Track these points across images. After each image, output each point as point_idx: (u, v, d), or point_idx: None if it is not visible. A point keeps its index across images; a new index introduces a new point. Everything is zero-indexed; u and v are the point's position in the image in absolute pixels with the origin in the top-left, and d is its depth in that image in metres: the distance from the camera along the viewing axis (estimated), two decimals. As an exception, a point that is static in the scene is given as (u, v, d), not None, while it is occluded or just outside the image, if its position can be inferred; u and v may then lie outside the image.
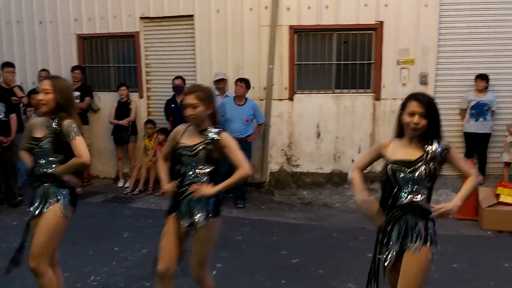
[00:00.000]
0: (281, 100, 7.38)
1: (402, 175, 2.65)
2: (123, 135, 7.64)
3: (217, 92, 7.14)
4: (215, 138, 3.02)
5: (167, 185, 3.10)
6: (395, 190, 2.67)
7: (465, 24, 6.95)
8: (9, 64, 7.13)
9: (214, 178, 3.09)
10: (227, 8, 7.40)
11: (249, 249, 5.14)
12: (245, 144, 6.76)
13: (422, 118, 2.61)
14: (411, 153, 2.67)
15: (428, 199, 2.71)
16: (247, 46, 7.40)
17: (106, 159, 8.24)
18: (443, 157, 2.68)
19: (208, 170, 3.05)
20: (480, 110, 6.76)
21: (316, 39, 7.33)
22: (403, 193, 2.67)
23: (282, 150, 7.47)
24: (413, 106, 2.63)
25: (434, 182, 2.70)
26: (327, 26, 7.18)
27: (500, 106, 6.89)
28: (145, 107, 7.94)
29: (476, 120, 6.80)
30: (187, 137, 3.08)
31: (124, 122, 7.58)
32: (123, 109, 7.64)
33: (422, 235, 2.64)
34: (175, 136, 3.14)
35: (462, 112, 6.97)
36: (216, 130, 3.05)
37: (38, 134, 3.22)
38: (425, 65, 7.04)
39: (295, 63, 7.35)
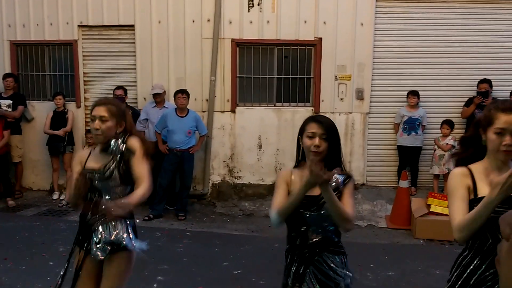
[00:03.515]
0: (223, 112, 7.43)
1: (307, 214, 2.39)
2: (59, 145, 7.36)
3: (153, 104, 7.08)
4: (123, 149, 2.71)
5: None
6: (304, 228, 2.43)
7: (398, 43, 7.33)
8: None
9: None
10: (169, 20, 7.37)
11: (190, 261, 5.11)
12: (187, 156, 6.74)
13: (323, 141, 2.38)
14: (314, 187, 2.32)
15: (338, 232, 2.49)
16: (189, 58, 7.40)
17: (39, 171, 7.89)
18: (344, 187, 2.43)
19: (125, 191, 2.80)
20: (412, 125, 7.13)
21: (258, 53, 7.46)
22: (310, 233, 2.42)
23: (224, 161, 7.50)
24: (313, 127, 2.40)
25: None
26: (268, 40, 7.33)
27: (429, 121, 7.29)
28: (82, 117, 7.72)
29: (409, 134, 7.16)
30: (93, 159, 2.78)
31: (60, 132, 7.32)
32: (59, 119, 7.38)
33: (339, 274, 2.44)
34: (81, 161, 2.82)
35: (396, 126, 7.33)
36: (120, 140, 2.73)
37: None
38: (361, 80, 7.35)
39: (237, 76, 7.43)
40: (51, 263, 4.86)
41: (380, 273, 4.85)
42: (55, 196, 7.54)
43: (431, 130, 7.31)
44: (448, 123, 6.98)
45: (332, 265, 2.43)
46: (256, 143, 7.42)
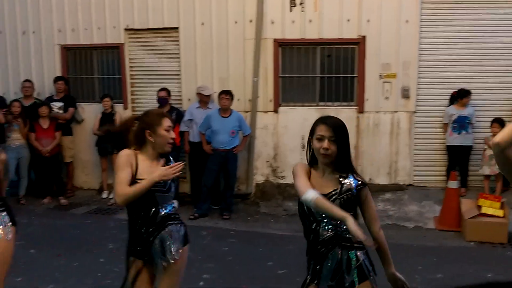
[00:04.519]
0: (266, 112, 7.45)
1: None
2: (107, 146, 7.59)
3: (198, 105, 7.18)
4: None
5: None
6: (314, 225, 2.50)
7: (444, 40, 7.13)
8: None
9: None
10: (212, 21, 7.47)
11: (235, 260, 5.16)
12: (231, 156, 6.81)
13: (332, 144, 2.43)
14: (325, 185, 2.49)
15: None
16: (232, 58, 7.46)
17: (89, 171, 8.17)
18: (358, 193, 2.49)
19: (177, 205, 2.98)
20: (462, 124, 6.93)
21: (300, 53, 7.44)
22: (321, 228, 2.49)
23: (268, 161, 7.52)
24: (322, 130, 2.45)
25: (353, 213, 2.47)
26: (311, 40, 7.29)
27: (478, 120, 7.06)
28: (129, 118, 7.92)
29: (459, 133, 6.96)
30: (148, 169, 2.84)
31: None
32: (107, 120, 7.61)
33: (358, 269, 2.48)
34: (132, 166, 2.83)
35: (444, 125, 7.13)
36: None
37: None
38: (406, 79, 7.20)
39: (280, 75, 7.44)
40: (101, 260, 5.02)
41: (428, 276, 4.74)
42: (104, 195, 7.78)
43: (481, 129, 7.07)
44: (499, 122, 6.73)
45: (344, 261, 2.47)
46: (299, 143, 7.39)
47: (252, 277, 4.67)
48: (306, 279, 2.62)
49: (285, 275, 4.72)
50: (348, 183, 2.48)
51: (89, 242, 5.67)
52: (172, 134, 2.88)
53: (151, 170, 2.80)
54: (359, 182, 2.50)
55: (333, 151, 2.43)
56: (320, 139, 2.44)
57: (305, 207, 2.50)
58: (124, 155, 2.79)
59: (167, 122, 2.87)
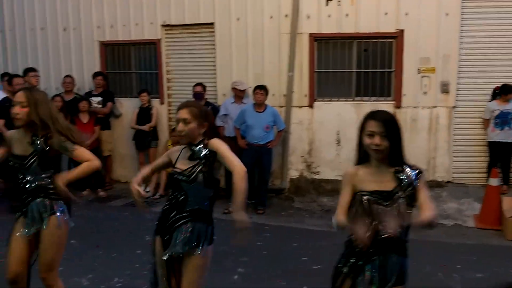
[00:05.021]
0: (301, 107, 7.41)
1: (379, 207, 2.42)
2: (144, 140, 7.73)
3: (232, 100, 7.21)
4: (207, 154, 2.83)
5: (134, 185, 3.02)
6: (374, 224, 2.44)
7: (486, 33, 6.90)
8: (32, 69, 7.28)
9: (213, 202, 2.97)
10: (247, 16, 7.47)
11: (269, 255, 5.16)
12: (265, 151, 6.81)
13: (383, 139, 2.38)
14: (385, 182, 2.44)
15: (406, 232, 2.51)
16: (267, 53, 7.45)
17: (127, 164, 8.34)
18: (418, 181, 2.45)
19: (209, 194, 2.91)
20: (504, 119, 6.71)
21: (336, 47, 7.36)
22: (380, 227, 2.43)
23: (302, 157, 7.48)
24: (372, 126, 2.41)
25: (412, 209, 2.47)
26: (347, 34, 7.20)
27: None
28: (166, 113, 8.03)
29: (502, 129, 6.74)
30: (181, 161, 2.90)
31: (145, 127, 7.68)
32: (144, 114, 7.75)
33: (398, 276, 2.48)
34: (172, 159, 2.97)
35: (485, 121, 6.92)
36: (202, 145, 2.85)
37: (20, 151, 3.12)
38: (446, 73, 7.02)
39: (315, 70, 7.38)
40: (138, 251, 5.12)
41: (467, 275, 4.62)
42: (141, 189, 7.90)
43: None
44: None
45: (391, 266, 2.46)
46: (335, 138, 7.33)
47: (286, 272, 4.66)
48: (340, 271, 2.59)
49: (320, 271, 4.69)
50: (408, 176, 2.44)
51: (126, 234, 5.80)
52: (178, 127, 2.83)
53: (185, 164, 2.85)
54: (417, 171, 2.47)
55: (385, 146, 2.39)
56: (371, 135, 2.40)
57: (365, 207, 2.46)
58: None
59: (177, 115, 2.87)
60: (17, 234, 3.14)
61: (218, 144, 2.86)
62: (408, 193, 2.42)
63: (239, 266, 4.77)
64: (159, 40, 7.97)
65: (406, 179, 2.42)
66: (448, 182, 7.20)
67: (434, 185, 7.09)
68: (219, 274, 4.24)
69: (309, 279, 4.47)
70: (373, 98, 7.28)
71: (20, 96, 3.05)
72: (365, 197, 2.45)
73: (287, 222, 6.47)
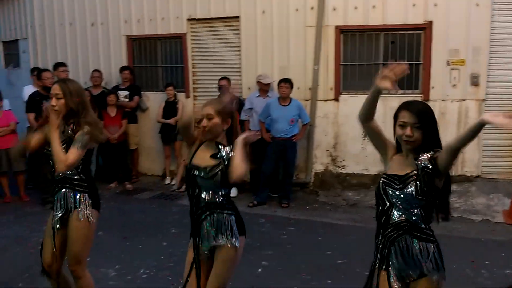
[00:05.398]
0: (326, 100, 7.35)
1: (391, 191, 2.44)
2: (170, 134, 7.81)
3: (257, 94, 7.20)
4: (230, 156, 2.82)
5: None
6: (386, 207, 2.46)
7: (520, 24, 6.71)
8: (62, 64, 7.42)
9: (229, 198, 2.95)
10: (273, 9, 7.43)
11: (294, 248, 5.17)
12: (290, 144, 6.80)
13: (415, 130, 2.35)
14: (404, 168, 2.45)
15: (425, 219, 2.44)
16: (292, 46, 7.41)
17: (153, 157, 8.44)
18: (436, 162, 2.37)
19: (223, 192, 2.90)
20: (536, 112, 6.51)
21: (363, 39, 7.26)
22: (395, 211, 2.44)
23: (327, 150, 7.43)
24: (404, 116, 2.39)
25: (431, 199, 2.41)
26: (374, 26, 7.09)
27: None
28: (191, 106, 8.09)
29: (532, 123, 6.54)
30: (199, 157, 2.91)
31: (171, 121, 7.75)
32: (170, 108, 7.81)
33: (423, 263, 2.40)
34: (191, 151, 2.98)
35: (516, 114, 6.73)
36: (228, 148, 2.86)
37: None
38: (476, 65, 6.84)
39: (341, 63, 7.30)
40: (164, 244, 5.20)
41: (496, 271, 4.53)
42: (167, 181, 8.02)
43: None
44: None
45: (412, 250, 2.41)
46: (361, 132, 7.21)
47: (311, 266, 4.65)
48: (374, 263, 2.57)
49: (345, 265, 4.67)
50: (423, 159, 2.39)
51: (152, 226, 5.88)
52: (203, 123, 2.85)
53: (204, 160, 2.87)
54: (433, 152, 2.40)
55: (416, 138, 2.37)
56: (403, 125, 2.39)
57: (380, 188, 2.47)
58: None
59: (201, 111, 2.89)
60: (49, 226, 3.21)
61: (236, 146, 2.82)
62: (424, 176, 2.36)
63: (263, 259, 4.79)
64: (185, 34, 8.01)
65: (421, 164, 2.38)
66: (477, 176, 7.04)
67: (462, 180, 6.96)
68: (243, 267, 4.23)
69: (333, 273, 4.46)
70: (400, 91, 7.14)
71: (56, 88, 3.11)
72: (382, 180, 2.50)
73: (311, 216, 6.45)
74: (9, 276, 4.31)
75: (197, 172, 2.84)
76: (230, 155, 2.80)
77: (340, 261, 4.75)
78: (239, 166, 2.67)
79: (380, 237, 2.50)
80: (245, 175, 2.72)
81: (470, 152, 6.99)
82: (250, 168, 2.75)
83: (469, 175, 7.03)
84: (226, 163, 2.80)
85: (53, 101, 3.09)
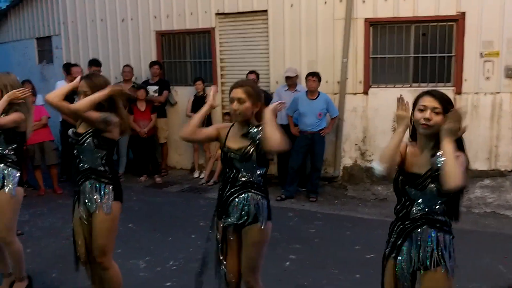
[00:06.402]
0: (355, 94, 7.27)
1: (412, 189, 2.40)
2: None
3: (286, 87, 7.18)
4: (261, 136, 2.79)
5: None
6: (408, 203, 2.44)
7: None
8: (95, 63, 7.56)
9: (265, 180, 2.97)
10: (301, 2, 7.38)
11: (321, 243, 5.15)
12: (318, 138, 6.76)
13: (435, 115, 2.29)
14: (421, 165, 2.39)
15: (447, 212, 2.41)
16: (321, 40, 7.35)
17: (182, 151, 8.53)
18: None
19: (261, 171, 2.92)
20: None
21: (393, 32, 7.13)
22: (414, 207, 2.42)
23: (356, 144, 7.36)
24: (425, 100, 2.34)
25: (454, 194, 2.35)
26: (405, 18, 6.96)
27: None
28: (219, 101, 8.12)
29: None
30: (232, 139, 2.92)
31: (200, 115, 7.79)
32: (199, 102, 7.84)
33: (438, 253, 2.38)
34: (221, 135, 2.98)
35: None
36: (259, 128, 2.84)
37: (81, 129, 3.23)
38: (511, 57, 6.64)
39: (370, 56, 7.20)
40: (192, 236, 5.25)
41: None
42: (196, 175, 8.10)
43: None
44: None
45: (428, 240, 2.39)
46: (390, 125, 7.13)
47: (339, 260, 4.63)
48: (385, 252, 2.58)
49: (373, 260, 4.60)
50: (437, 160, 2.30)
51: (181, 219, 5.95)
52: (234, 106, 2.83)
53: (237, 142, 2.88)
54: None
55: (435, 122, 2.30)
56: (423, 109, 2.34)
57: (399, 186, 2.45)
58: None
59: (231, 94, 2.87)
60: (77, 217, 3.28)
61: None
62: (436, 177, 2.29)
63: (290, 253, 4.79)
64: (213, 28, 8.04)
65: (437, 164, 2.27)
66: (511, 171, 6.85)
67: (496, 174, 6.79)
68: (271, 260, 4.24)
69: (361, 268, 4.41)
70: (431, 84, 7.01)
71: (82, 86, 3.17)
72: (400, 178, 2.45)
73: (340, 210, 6.41)
74: (44, 266, 4.44)
75: (233, 155, 2.86)
76: (261, 131, 2.79)
77: (368, 256, 4.70)
78: (273, 133, 2.66)
79: (396, 227, 2.51)
80: (281, 145, 2.68)
81: (504, 146, 6.81)
82: (283, 141, 2.69)
83: (503, 169, 6.85)
84: (258, 141, 2.81)
85: (82, 98, 3.14)
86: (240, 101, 2.82)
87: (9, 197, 3.59)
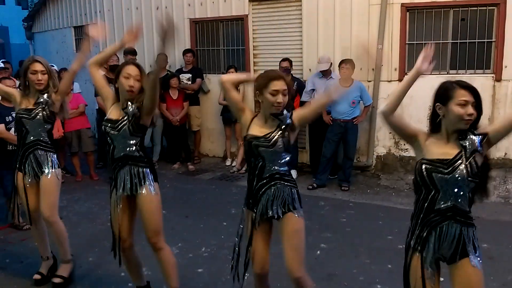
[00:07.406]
0: (390, 81, 7.12)
1: (439, 176, 2.34)
2: (231, 115, 7.89)
3: (320, 75, 7.09)
4: (290, 123, 2.84)
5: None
6: (432, 193, 2.38)
7: None
8: (131, 52, 7.66)
9: (289, 167, 2.98)
10: (336, -12, 7.26)
11: (353, 232, 5.11)
12: (351, 127, 6.67)
13: (474, 109, 2.34)
14: (447, 150, 2.38)
15: (471, 201, 2.40)
16: (355, 26, 7.21)
17: (215, 139, 8.60)
18: (486, 144, 2.37)
19: (287, 159, 2.91)
20: None
21: (430, 17, 6.93)
22: (441, 197, 2.36)
23: (390, 133, 7.22)
24: (464, 95, 2.34)
25: (480, 180, 2.37)
26: (443, 2, 6.74)
27: None
28: (252, 88, 8.10)
29: None
30: (255, 127, 2.90)
31: (232, 103, 7.81)
32: (231, 90, 7.87)
33: (464, 248, 2.38)
34: (246, 115, 2.97)
35: None
36: (287, 113, 2.85)
37: (114, 116, 3.24)
38: (555, 43, 6.37)
39: (406, 42, 7.03)
40: (224, 223, 5.30)
41: None
42: (228, 163, 8.16)
43: None
44: None
45: (454, 235, 2.37)
46: (426, 113, 6.95)
47: (371, 250, 4.60)
48: (409, 244, 2.52)
49: (406, 251, 4.56)
50: (471, 142, 2.35)
51: (213, 206, 6.02)
52: (279, 99, 2.78)
53: (261, 130, 2.86)
54: (481, 136, 2.37)
55: (475, 116, 2.35)
56: (464, 104, 2.34)
57: (424, 175, 2.39)
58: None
59: (274, 86, 2.80)
60: (114, 204, 3.32)
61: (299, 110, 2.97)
62: (471, 161, 2.33)
63: (322, 242, 4.78)
64: (246, 15, 8.02)
65: (470, 146, 2.34)
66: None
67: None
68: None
69: (393, 258, 4.35)
70: (469, 71, 6.80)
71: (134, 70, 3.22)
72: (424, 166, 2.39)
73: (372, 199, 6.34)
74: (81, 250, 4.57)
75: (257, 142, 2.84)
76: (290, 122, 2.83)
77: (401, 246, 4.55)
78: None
79: (419, 220, 2.44)
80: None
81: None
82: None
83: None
84: (285, 129, 2.82)
85: (131, 82, 3.17)
86: (284, 92, 2.81)
87: (56, 178, 3.76)
